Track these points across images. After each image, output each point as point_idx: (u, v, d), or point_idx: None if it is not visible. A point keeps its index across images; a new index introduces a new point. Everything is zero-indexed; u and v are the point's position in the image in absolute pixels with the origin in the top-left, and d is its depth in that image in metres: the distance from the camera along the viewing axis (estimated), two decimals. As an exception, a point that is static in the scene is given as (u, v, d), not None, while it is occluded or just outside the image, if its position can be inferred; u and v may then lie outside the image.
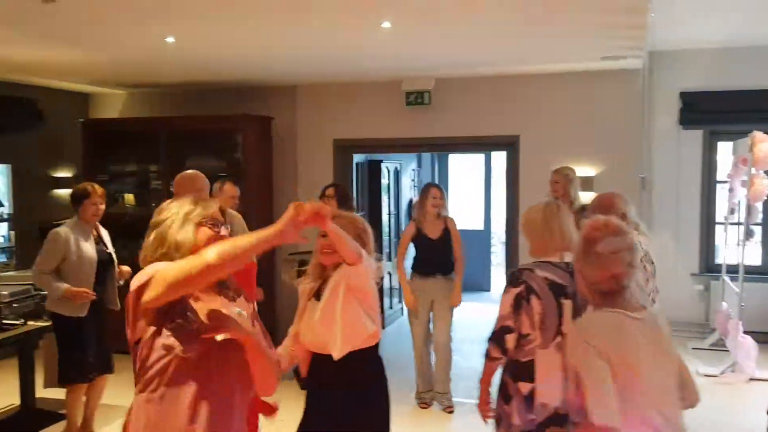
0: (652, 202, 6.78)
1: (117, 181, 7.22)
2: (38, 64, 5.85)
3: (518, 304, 2.73)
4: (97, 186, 4.43)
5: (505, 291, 2.80)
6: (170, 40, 4.78)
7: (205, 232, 1.98)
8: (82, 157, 7.17)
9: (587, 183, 6.27)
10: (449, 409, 5.06)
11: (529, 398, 2.74)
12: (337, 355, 2.60)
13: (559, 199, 4.91)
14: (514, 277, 2.81)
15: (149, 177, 7.07)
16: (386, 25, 4.37)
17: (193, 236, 1.97)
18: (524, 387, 2.75)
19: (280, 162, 7.14)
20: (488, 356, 2.83)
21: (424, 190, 5.17)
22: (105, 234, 4.58)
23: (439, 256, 5.05)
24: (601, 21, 4.37)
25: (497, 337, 2.78)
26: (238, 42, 5.00)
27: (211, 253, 1.75)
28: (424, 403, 5.17)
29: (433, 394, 5.20)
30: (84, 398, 4.57)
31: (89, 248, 4.35)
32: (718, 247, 6.97)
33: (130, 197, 7.20)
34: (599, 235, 2.07)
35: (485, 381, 2.91)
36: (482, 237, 9.88)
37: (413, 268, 5.18)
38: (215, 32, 4.68)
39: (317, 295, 2.73)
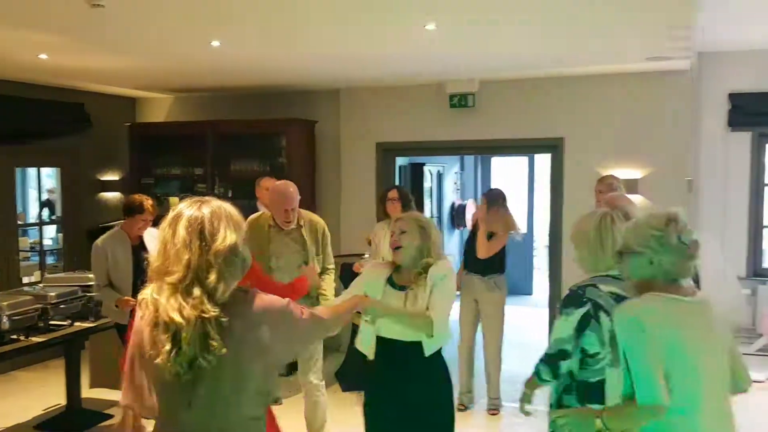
0: (699, 205, 6.65)
1: (162, 184, 7.37)
2: (86, 70, 5.99)
3: (583, 325, 2.55)
4: (151, 203, 4.57)
5: (566, 312, 2.58)
6: (215, 44, 4.85)
7: None
8: (129, 161, 7.33)
9: (632, 186, 6.19)
10: (493, 412, 5.04)
11: None
12: (428, 352, 2.89)
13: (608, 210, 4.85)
14: (576, 297, 2.59)
15: (194, 180, 7.20)
16: (430, 27, 4.38)
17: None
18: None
19: (324, 165, 7.20)
20: (539, 377, 2.67)
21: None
22: (149, 235, 4.60)
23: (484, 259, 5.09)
24: (647, 19, 4.31)
25: (552, 361, 2.61)
26: (282, 46, 5.05)
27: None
28: (461, 404, 5.16)
29: (472, 395, 5.20)
30: None
31: (125, 260, 4.49)
32: (765, 251, 6.82)
33: (175, 200, 7.30)
34: None
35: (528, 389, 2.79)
36: (525, 241, 9.75)
37: (464, 265, 5.26)
38: (259, 36, 4.74)
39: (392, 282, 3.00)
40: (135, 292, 4.40)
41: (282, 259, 4.11)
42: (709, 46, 6.25)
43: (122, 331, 4.44)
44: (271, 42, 4.92)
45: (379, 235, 5.09)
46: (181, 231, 1.80)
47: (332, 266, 4.34)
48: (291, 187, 4.12)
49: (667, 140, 6.13)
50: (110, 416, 4.79)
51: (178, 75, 6.41)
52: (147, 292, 1.84)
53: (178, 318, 1.74)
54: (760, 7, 5.04)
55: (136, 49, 5.16)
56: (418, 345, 2.87)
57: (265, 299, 1.91)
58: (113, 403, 4.83)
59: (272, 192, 4.15)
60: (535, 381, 2.71)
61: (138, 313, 1.89)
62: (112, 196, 7.75)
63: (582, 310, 2.54)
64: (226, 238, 1.81)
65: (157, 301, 1.79)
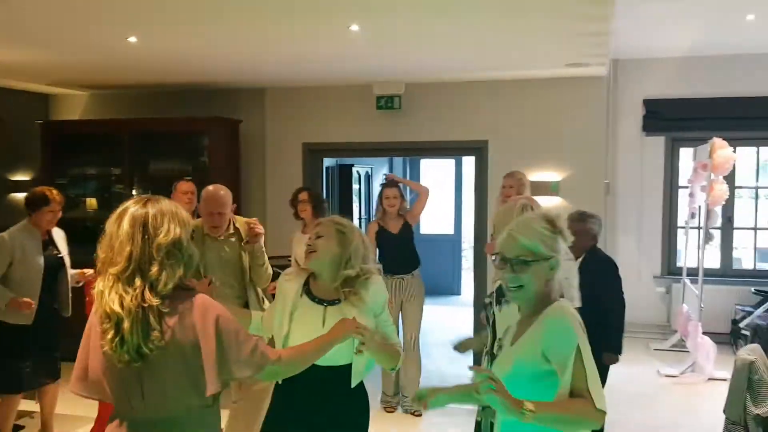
0: (616, 207, 6.91)
1: (77, 184, 7.08)
2: (-5, 64, 5.71)
3: None
4: (56, 192, 4.29)
5: (504, 301, 2.61)
6: (132, 40, 4.69)
7: None
8: (41, 160, 7.00)
9: (552, 188, 6.36)
10: (417, 413, 5.05)
11: None
12: (355, 382, 2.52)
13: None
14: None
15: (111, 181, 6.95)
16: (354, 28, 4.37)
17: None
18: None
19: (249, 166, 7.07)
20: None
21: (380, 192, 5.32)
22: (59, 237, 4.43)
23: (404, 252, 5.13)
24: (565, 28, 4.44)
25: None
26: (204, 44, 4.93)
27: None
28: (390, 407, 5.16)
29: (399, 397, 5.18)
30: (38, 407, 4.47)
31: (36, 254, 4.21)
32: (679, 251, 7.13)
33: (92, 201, 7.04)
34: None
35: None
36: (453, 241, 9.93)
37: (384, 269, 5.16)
38: (179, 33, 4.61)
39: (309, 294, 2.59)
40: (44, 290, 4.22)
41: (217, 269, 3.76)
42: (625, 54, 6.50)
43: (10, 333, 4.15)
44: (192, 39, 4.79)
45: (296, 238, 5.02)
46: (125, 225, 1.89)
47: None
48: (221, 191, 3.85)
49: (585, 144, 6.32)
50: (20, 427, 4.56)
51: (94, 71, 6.17)
52: (98, 284, 1.92)
53: (117, 308, 1.82)
54: (673, 16, 5.27)
55: (48, 43, 4.94)
56: (344, 370, 2.50)
57: (207, 300, 1.94)
58: (25, 413, 4.60)
59: (202, 195, 3.96)
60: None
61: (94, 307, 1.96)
62: (23, 197, 7.38)
63: None
64: (170, 232, 1.89)
65: (102, 293, 1.88)
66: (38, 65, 5.84)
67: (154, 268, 1.85)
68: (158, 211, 1.91)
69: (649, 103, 6.82)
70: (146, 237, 1.87)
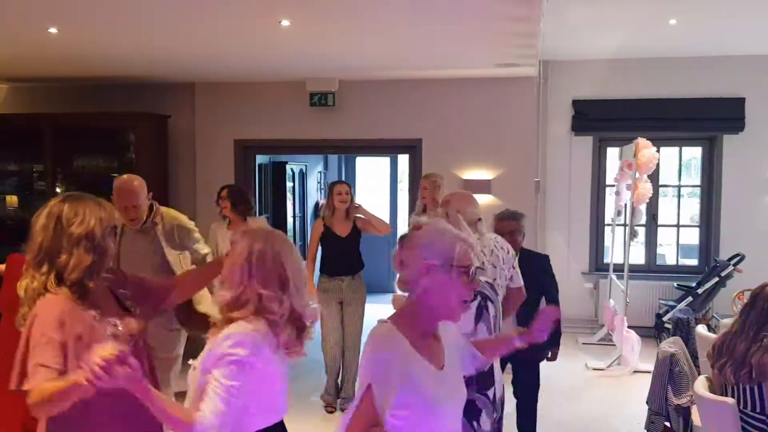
0: (545, 205, 7.05)
1: (-4, 180, 6.78)
2: None
3: (478, 317, 2.67)
4: None
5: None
6: (53, 30, 4.50)
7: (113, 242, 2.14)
8: (-44, 156, 6.65)
9: (485, 186, 6.44)
10: None
11: (494, 399, 2.76)
12: None
13: (428, 204, 5.07)
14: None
15: (33, 177, 6.66)
16: (285, 23, 4.31)
17: (113, 246, 2.13)
18: (491, 392, 2.73)
19: (178, 162, 6.89)
20: None
21: (331, 188, 5.13)
22: None
23: (349, 256, 5.00)
24: (494, 28, 4.50)
25: None
26: (129, 36, 4.77)
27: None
28: (331, 407, 5.09)
29: (341, 400, 5.11)
30: None
31: None
32: (606, 248, 7.34)
33: (12, 199, 6.77)
34: None
35: None
36: (388, 239, 9.90)
37: (321, 269, 5.10)
38: (102, 25, 4.45)
39: None
40: None
41: (131, 259, 3.60)
42: (554, 55, 6.63)
43: None
44: (115, 31, 4.62)
45: (218, 234, 4.91)
46: (42, 218, 2.04)
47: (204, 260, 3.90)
48: (135, 181, 3.73)
49: (516, 143, 6.43)
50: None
51: (13, 62, 5.89)
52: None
53: (21, 292, 1.99)
54: (599, 19, 5.41)
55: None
56: None
57: (48, 300, 1.97)
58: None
59: (114, 187, 3.80)
60: None
61: None
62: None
63: (475, 303, 2.62)
64: (82, 224, 2.01)
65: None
66: (-50, 55, 5.53)
67: (63, 257, 1.98)
68: (76, 205, 2.04)
69: (577, 104, 6.99)
70: (58, 228, 2.00)
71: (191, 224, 3.95)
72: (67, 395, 1.77)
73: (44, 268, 1.98)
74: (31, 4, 3.94)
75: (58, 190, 6.39)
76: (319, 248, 5.08)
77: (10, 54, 5.47)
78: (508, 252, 3.17)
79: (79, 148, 6.53)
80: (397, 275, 1.90)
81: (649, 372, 5.81)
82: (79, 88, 6.96)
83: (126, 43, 5.03)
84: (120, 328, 2.06)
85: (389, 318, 1.87)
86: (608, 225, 7.22)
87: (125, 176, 3.81)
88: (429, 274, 1.79)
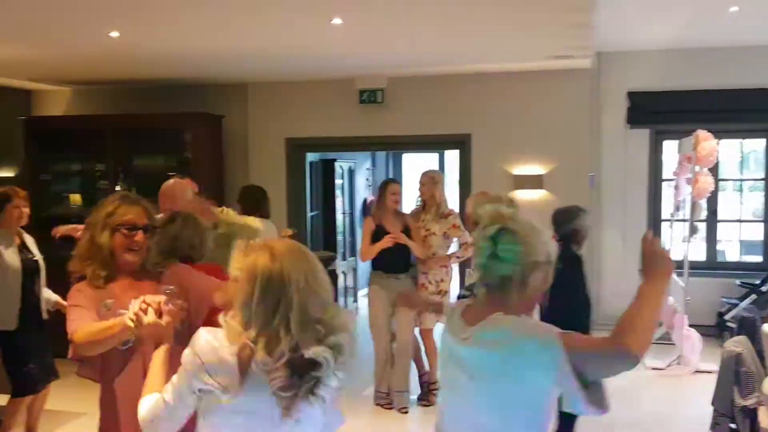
0: (600, 200, 6.91)
1: (62, 180, 7.04)
2: (-25, 59, 5.64)
3: None
4: (17, 188, 4.23)
5: None
6: (114, 34, 4.65)
7: (119, 237, 2.27)
8: (24, 157, 6.93)
9: (537, 181, 6.36)
10: (404, 410, 5.00)
11: None
12: None
13: (426, 201, 5.08)
14: None
15: (95, 176, 6.89)
16: (337, 21, 4.34)
17: (108, 241, 2.26)
18: None
19: (232, 161, 7.03)
20: None
21: (384, 186, 5.12)
22: (30, 240, 4.36)
23: (400, 254, 4.95)
24: (548, 19, 4.43)
25: None
26: (186, 38, 4.89)
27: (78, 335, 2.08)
28: (388, 403, 5.05)
29: (392, 394, 5.07)
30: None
31: (13, 258, 4.11)
32: (664, 244, 7.14)
33: (76, 197, 7.01)
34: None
35: None
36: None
37: (374, 266, 5.08)
38: (161, 28, 4.58)
39: None
40: (26, 294, 4.14)
41: None
42: (609, 46, 6.49)
43: (9, 338, 4.12)
44: (174, 34, 4.76)
45: None
46: None
47: None
48: (175, 186, 3.84)
49: (569, 137, 6.33)
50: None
51: (76, 66, 6.10)
52: None
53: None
54: (657, 8, 5.27)
55: (30, 38, 4.90)
56: None
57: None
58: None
59: (163, 190, 3.94)
60: None
61: None
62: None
63: None
64: (91, 215, 2.34)
65: None
66: (20, 61, 5.78)
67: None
68: (105, 200, 2.38)
69: (633, 96, 6.82)
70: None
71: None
72: (112, 336, 1.99)
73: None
74: (94, 10, 4.08)
75: (118, 188, 6.60)
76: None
77: (73, 58, 5.68)
78: None
79: (139, 148, 6.71)
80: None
81: (710, 372, 5.66)
82: (139, 91, 7.17)
83: (183, 46, 5.16)
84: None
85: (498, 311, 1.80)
86: (666, 221, 7.03)
87: (170, 181, 3.95)
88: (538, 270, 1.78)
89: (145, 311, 1.85)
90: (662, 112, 6.81)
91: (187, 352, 1.67)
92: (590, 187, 6.44)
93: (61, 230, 4.22)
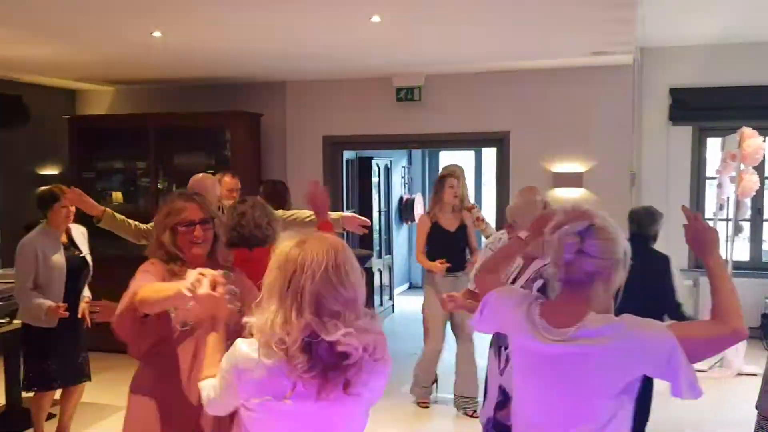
0: (641, 199, 6.79)
1: (104, 178, 7.17)
2: (23, 60, 5.79)
3: None
4: (65, 187, 4.20)
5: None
6: (157, 34, 4.73)
7: (181, 235, 2.38)
8: (69, 155, 7.10)
9: (576, 179, 6.28)
10: (475, 415, 4.72)
11: None
12: None
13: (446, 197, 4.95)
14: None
15: (137, 174, 7.02)
16: (376, 19, 4.35)
17: (170, 239, 2.38)
18: None
19: (270, 159, 7.11)
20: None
21: (441, 180, 4.95)
22: (79, 235, 4.38)
23: (457, 252, 4.83)
24: (591, 15, 4.37)
25: None
26: (226, 37, 4.95)
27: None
28: (424, 402, 5.01)
29: (462, 399, 4.93)
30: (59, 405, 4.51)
31: (58, 257, 4.16)
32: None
33: (118, 195, 7.14)
34: (565, 221, 1.99)
35: None
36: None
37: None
38: (202, 27, 4.64)
39: None
40: (68, 293, 4.20)
41: None
42: (650, 42, 6.37)
43: (37, 334, 4.17)
44: (214, 33, 4.82)
45: None
46: None
47: None
48: (206, 180, 4.02)
49: (610, 134, 6.23)
50: (53, 416, 4.63)
51: (119, 66, 6.23)
52: None
53: None
54: (702, 2, 5.16)
55: (74, 39, 5.00)
56: None
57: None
58: (54, 402, 4.68)
59: (191, 184, 4.05)
60: None
61: None
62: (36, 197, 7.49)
63: (538, 284, 2.51)
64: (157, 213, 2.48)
65: None
66: (65, 61, 5.92)
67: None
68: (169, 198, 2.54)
69: (675, 92, 6.69)
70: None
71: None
72: (166, 298, 2.06)
73: None
74: (138, 11, 4.16)
75: (159, 186, 6.73)
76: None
77: (117, 58, 5.80)
78: None
79: (180, 146, 6.80)
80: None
81: (754, 375, 5.53)
82: (179, 89, 7.30)
83: (223, 45, 5.23)
84: (188, 305, 2.15)
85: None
86: (709, 219, 6.87)
87: (199, 175, 4.07)
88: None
89: (200, 282, 1.88)
90: (706, 109, 6.66)
91: (224, 362, 1.73)
92: (630, 185, 6.34)
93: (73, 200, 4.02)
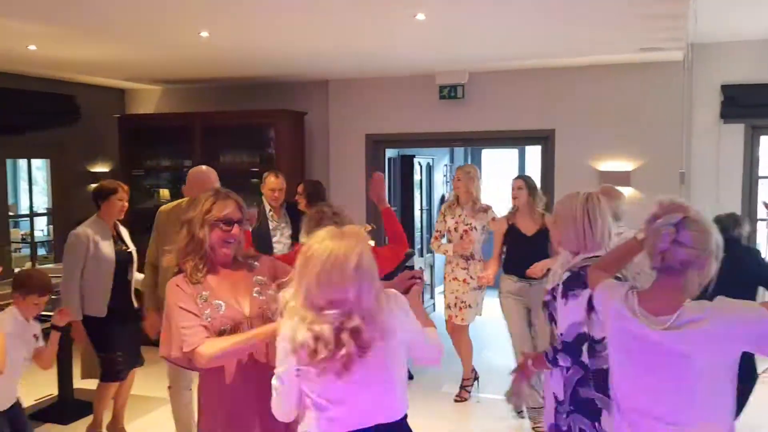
0: (691, 198, 6.62)
1: (152, 175, 7.32)
2: (75, 61, 5.95)
3: (590, 308, 2.47)
4: (122, 183, 4.45)
5: (572, 293, 2.52)
6: (204, 34, 4.81)
7: (217, 233, 2.34)
8: (119, 152, 7.28)
9: (624, 178, 6.16)
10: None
11: None
12: None
13: (460, 196, 5.03)
14: (578, 277, 2.52)
15: (184, 172, 7.12)
16: (420, 17, 4.34)
17: (208, 236, 2.34)
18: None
19: (313, 157, 7.16)
20: (555, 364, 2.57)
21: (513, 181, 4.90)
22: (124, 232, 4.57)
23: (535, 257, 4.54)
24: (638, 10, 4.27)
25: (572, 347, 2.51)
26: (272, 37, 5.01)
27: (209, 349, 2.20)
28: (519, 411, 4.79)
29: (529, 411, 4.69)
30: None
31: (108, 249, 4.32)
32: (759, 244, 6.79)
33: (165, 192, 7.28)
34: (660, 213, 2.09)
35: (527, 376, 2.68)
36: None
37: (505, 269, 4.80)
38: (248, 27, 4.69)
39: None
40: (116, 283, 4.35)
41: None
42: (702, 37, 6.20)
43: (91, 324, 4.33)
44: (260, 32, 4.87)
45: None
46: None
47: None
48: (211, 173, 4.04)
49: (659, 132, 6.10)
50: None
51: (167, 66, 6.36)
52: None
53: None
54: (753, -2, 5.00)
55: (124, 39, 5.11)
56: None
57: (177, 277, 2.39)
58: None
59: (195, 174, 4.06)
60: (545, 364, 2.62)
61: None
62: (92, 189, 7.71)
63: (587, 292, 2.46)
64: (187, 213, 2.42)
65: None
66: (115, 61, 6.06)
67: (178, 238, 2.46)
68: (201, 196, 2.45)
69: (727, 89, 6.49)
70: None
71: None
72: (251, 346, 2.22)
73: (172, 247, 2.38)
74: (186, 11, 4.23)
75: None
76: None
77: (165, 58, 5.92)
78: None
79: (225, 145, 6.90)
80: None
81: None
82: (224, 88, 7.41)
83: (268, 45, 5.29)
84: (221, 311, 2.28)
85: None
86: (762, 220, 6.67)
87: (202, 167, 4.13)
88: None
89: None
90: (758, 106, 6.44)
91: (277, 341, 1.97)
92: (680, 184, 6.19)
93: None
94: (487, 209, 5.10)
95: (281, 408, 1.98)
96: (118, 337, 4.38)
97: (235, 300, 2.34)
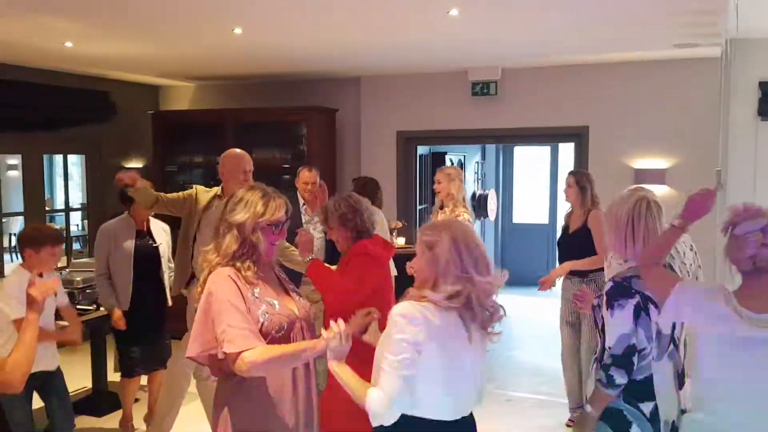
0: (726, 196, 6.50)
1: (185, 171, 7.40)
2: (110, 58, 6.03)
3: (635, 318, 2.39)
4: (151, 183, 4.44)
5: (618, 304, 2.40)
6: (238, 31, 4.84)
7: (268, 235, 2.30)
8: (153, 149, 7.37)
9: (659, 176, 6.07)
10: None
11: (655, 417, 2.43)
12: None
13: (443, 199, 4.90)
14: (624, 288, 2.42)
15: (216, 168, 7.18)
16: (454, 13, 4.32)
17: (262, 240, 2.28)
18: (646, 407, 2.41)
19: (344, 153, 7.18)
20: (612, 384, 2.39)
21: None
22: (158, 228, 4.61)
23: (573, 253, 4.46)
24: (674, 5, 4.20)
25: (623, 361, 2.37)
26: (304, 34, 5.02)
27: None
28: (571, 421, 4.61)
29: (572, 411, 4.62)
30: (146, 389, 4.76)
31: (129, 244, 4.40)
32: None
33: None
34: (739, 219, 2.21)
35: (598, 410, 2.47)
36: (547, 231, 9.72)
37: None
38: (281, 24, 4.71)
39: None
40: (138, 278, 4.42)
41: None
42: (739, 33, 6.07)
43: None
44: (293, 29, 4.89)
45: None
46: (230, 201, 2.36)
47: None
48: (246, 156, 4.14)
49: (695, 130, 6.00)
50: (135, 400, 4.84)
51: (201, 62, 6.42)
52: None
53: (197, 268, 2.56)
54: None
55: (159, 37, 5.17)
56: None
57: (217, 275, 2.26)
58: (141, 387, 4.88)
59: (229, 158, 4.13)
60: (603, 392, 2.42)
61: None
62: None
63: (633, 301, 2.39)
64: (236, 215, 2.27)
65: None
66: (149, 58, 6.13)
67: (223, 239, 2.29)
68: (239, 198, 2.30)
69: (765, 86, 6.35)
70: (224, 212, 2.32)
71: None
72: (290, 363, 2.18)
73: (210, 246, 2.30)
74: (220, 8, 4.26)
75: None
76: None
77: (198, 55, 5.98)
78: (691, 248, 3.02)
79: (257, 141, 6.91)
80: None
81: None
82: (257, 85, 7.46)
83: (300, 42, 5.30)
84: (276, 308, 2.23)
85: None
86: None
87: (237, 150, 4.19)
88: None
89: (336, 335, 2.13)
90: (798, 103, 6.31)
91: (400, 324, 2.04)
92: (717, 182, 6.08)
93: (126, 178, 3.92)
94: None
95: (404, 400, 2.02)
96: (136, 333, 4.43)
97: (283, 300, 2.31)
